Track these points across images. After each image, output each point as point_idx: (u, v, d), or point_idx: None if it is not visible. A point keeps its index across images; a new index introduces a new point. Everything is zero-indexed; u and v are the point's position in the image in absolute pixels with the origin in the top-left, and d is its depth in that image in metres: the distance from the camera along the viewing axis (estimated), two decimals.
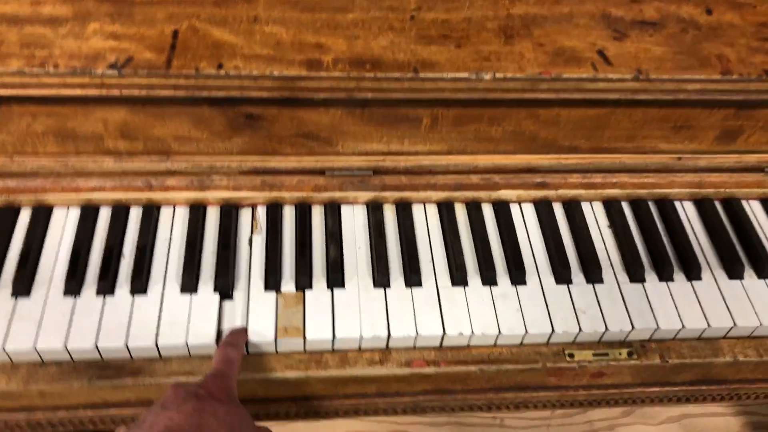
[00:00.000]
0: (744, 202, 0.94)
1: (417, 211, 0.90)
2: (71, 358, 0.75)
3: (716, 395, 0.89)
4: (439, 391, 0.83)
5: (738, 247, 0.89)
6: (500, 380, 0.82)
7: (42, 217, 0.84)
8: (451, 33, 0.78)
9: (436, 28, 0.78)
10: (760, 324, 0.82)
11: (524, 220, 0.90)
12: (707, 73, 0.77)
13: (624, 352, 0.82)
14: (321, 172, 0.87)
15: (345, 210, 0.89)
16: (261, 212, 0.87)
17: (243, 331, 0.77)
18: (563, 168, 0.90)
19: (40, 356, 0.74)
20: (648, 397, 0.87)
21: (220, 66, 0.73)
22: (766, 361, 0.83)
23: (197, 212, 0.86)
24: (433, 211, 0.90)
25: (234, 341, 0.75)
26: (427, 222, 0.89)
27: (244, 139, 0.82)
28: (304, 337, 0.77)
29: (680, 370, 0.83)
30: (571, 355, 0.81)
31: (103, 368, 0.75)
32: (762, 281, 0.86)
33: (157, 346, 0.76)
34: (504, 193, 0.90)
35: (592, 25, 0.81)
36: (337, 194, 0.88)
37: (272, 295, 0.80)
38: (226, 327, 0.77)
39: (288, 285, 0.81)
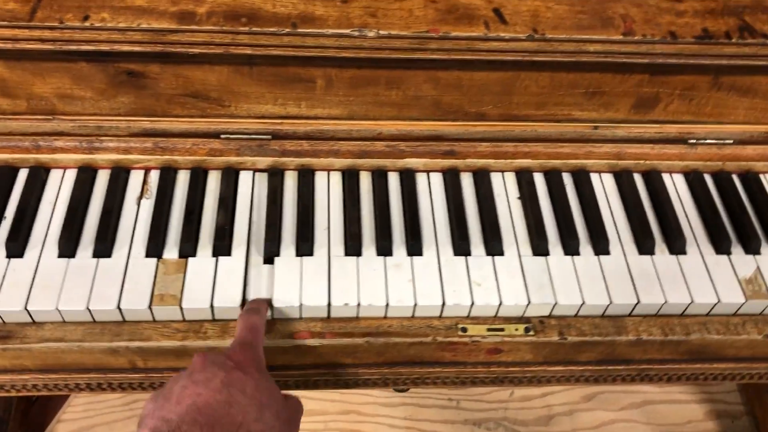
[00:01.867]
0: (666, 175, 0.90)
1: (320, 178, 0.86)
2: None
3: (625, 376, 0.85)
4: (329, 365, 0.80)
5: (653, 222, 0.85)
6: (392, 354, 0.79)
7: None
8: None
9: None
10: (666, 301, 0.78)
11: (430, 190, 0.87)
12: (608, 33, 0.73)
13: (521, 327, 0.78)
14: (216, 135, 0.83)
15: (243, 176, 0.85)
16: (154, 176, 0.84)
17: (264, 300, 0.74)
18: (471, 136, 0.86)
19: None
20: (552, 376, 0.84)
21: (86, 17, 0.69)
22: (672, 341, 0.79)
23: (85, 174, 0.83)
24: (336, 178, 0.86)
25: (257, 307, 0.72)
26: (329, 190, 0.85)
27: (130, 99, 0.79)
28: (181, 306, 0.74)
29: (582, 348, 0.79)
30: (464, 330, 0.77)
31: None
32: (674, 257, 0.82)
33: (27, 310, 0.73)
34: (410, 162, 0.86)
35: None
36: (233, 159, 0.84)
37: (153, 261, 0.77)
38: (99, 291, 0.74)
39: (171, 252, 0.78)
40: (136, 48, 0.71)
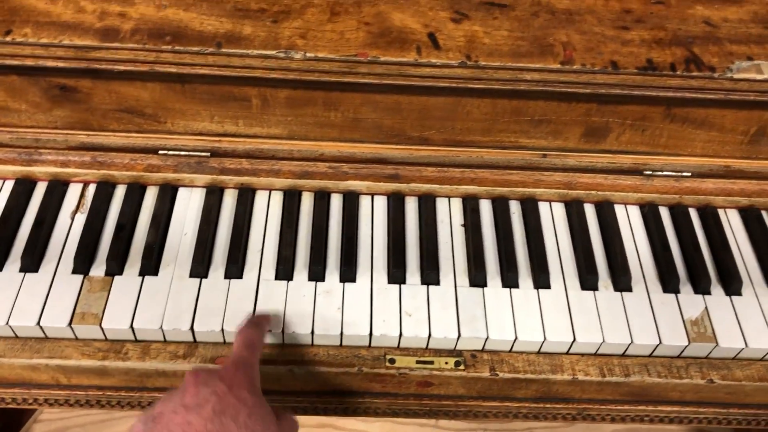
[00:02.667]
0: (620, 207, 0.86)
1: (260, 198, 0.85)
2: None
3: (565, 414, 0.82)
4: None
5: (600, 256, 0.82)
6: (318, 383, 0.77)
7: None
8: (272, 7, 0.72)
9: (258, 1, 0.73)
10: (604, 341, 0.75)
11: (372, 213, 0.84)
12: (546, 61, 0.70)
13: (451, 361, 0.75)
14: (154, 151, 0.82)
15: (182, 193, 0.84)
16: (91, 190, 0.83)
17: (267, 315, 0.73)
18: (416, 160, 0.83)
19: None
20: (488, 411, 0.81)
21: (8, 32, 0.68)
22: (609, 382, 0.76)
23: (22, 186, 0.82)
24: (277, 199, 0.85)
25: (258, 322, 0.71)
26: (268, 210, 0.84)
27: (66, 112, 0.78)
28: (101, 325, 0.72)
29: (516, 385, 0.77)
30: (392, 361, 0.75)
31: None
32: (618, 294, 0.79)
33: None
34: (353, 184, 0.84)
35: (432, 5, 0.74)
36: (171, 175, 0.83)
37: (79, 278, 0.76)
38: (22, 306, 0.73)
39: (99, 269, 0.77)
40: (61, 64, 0.70)
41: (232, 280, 0.77)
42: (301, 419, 1.61)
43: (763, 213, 0.87)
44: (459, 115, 0.78)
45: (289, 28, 0.71)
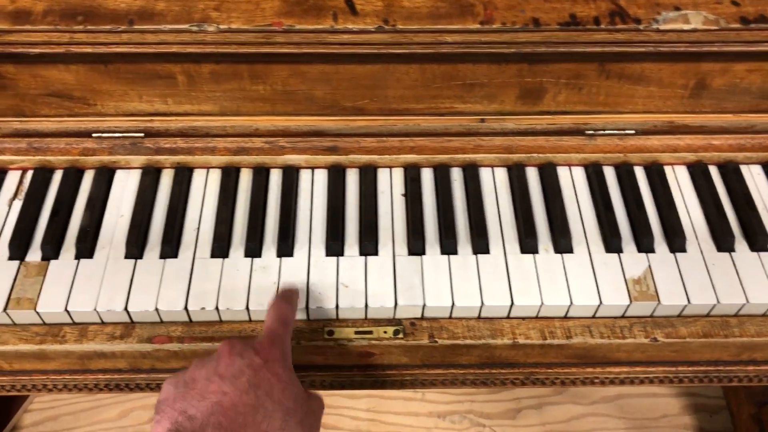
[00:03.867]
0: (564, 169, 0.85)
1: (198, 176, 0.84)
2: None
3: (513, 379, 0.81)
4: None
5: (542, 218, 0.81)
6: None
7: None
8: None
9: None
10: (543, 303, 0.74)
11: (312, 187, 0.84)
12: (466, 22, 0.69)
13: (390, 330, 0.75)
14: (87, 134, 0.82)
15: (119, 175, 0.84)
16: (29, 177, 0.83)
17: (296, 289, 0.72)
18: (353, 131, 0.82)
19: None
20: (435, 379, 0.81)
21: None
22: (552, 345, 0.75)
23: None
24: (215, 176, 0.84)
25: (289, 297, 0.70)
26: (205, 188, 0.83)
27: None
28: (36, 309, 0.73)
29: (458, 351, 0.76)
30: (331, 333, 0.75)
31: None
32: (558, 256, 0.78)
33: None
34: (291, 158, 0.83)
35: None
36: (107, 158, 0.83)
37: (15, 263, 0.76)
38: None
39: (35, 254, 0.77)
40: None
41: (167, 260, 0.77)
42: None
43: (711, 168, 0.85)
44: (390, 83, 0.77)
45: (204, 1, 0.70)
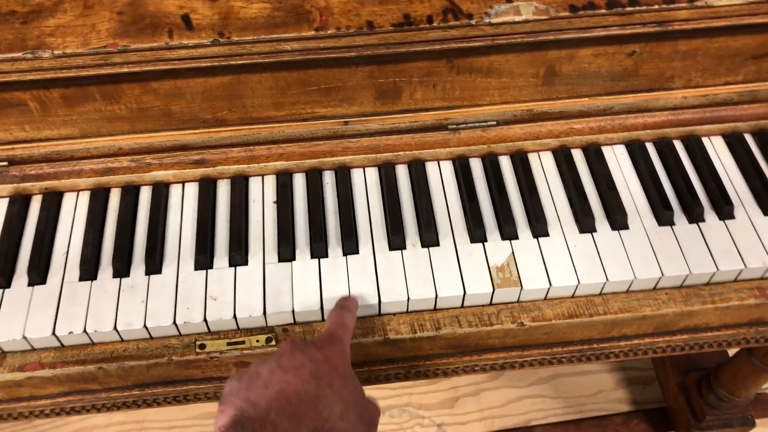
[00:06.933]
0: (433, 164, 0.87)
1: (68, 200, 0.84)
2: None
3: (394, 375, 0.83)
4: (77, 392, 0.78)
5: (411, 215, 0.82)
6: (136, 377, 0.77)
7: None
8: (22, 8, 0.71)
9: (8, 3, 0.71)
10: (409, 298, 0.75)
11: (182, 202, 0.84)
12: (301, 29, 0.70)
13: (262, 338, 0.76)
14: None
15: None
16: None
17: (355, 298, 0.74)
18: (218, 143, 0.83)
19: None
20: None
21: None
22: (422, 337, 0.76)
23: None
24: (84, 198, 0.84)
25: (348, 305, 0.71)
26: (74, 212, 0.83)
27: None
28: None
29: None
30: (203, 346, 0.75)
31: None
32: (425, 250, 0.79)
33: None
34: (159, 174, 0.84)
35: None
36: None
37: None
38: None
39: None
40: None
41: (36, 287, 0.76)
42: None
43: (573, 151, 0.87)
44: (245, 93, 0.78)
45: (39, 27, 0.70)
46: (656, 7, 0.72)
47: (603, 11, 0.71)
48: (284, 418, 0.56)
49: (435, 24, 0.70)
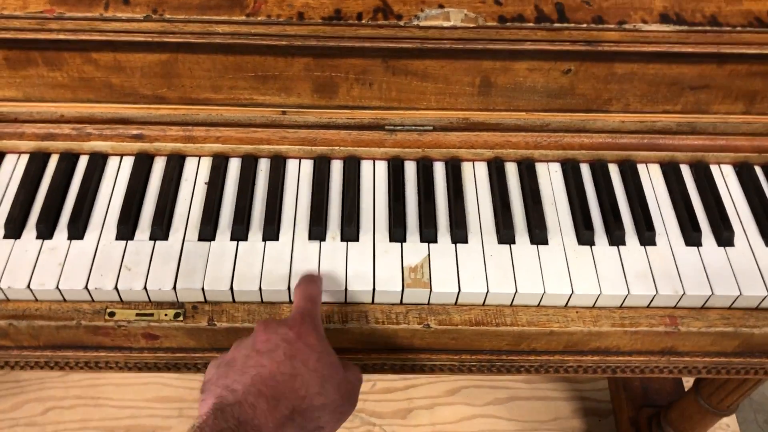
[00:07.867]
0: (368, 162, 0.88)
1: (8, 161, 0.86)
2: None
3: None
4: None
5: (336, 209, 0.84)
6: (47, 337, 0.78)
7: None
8: None
9: None
10: (347, 288, 0.76)
11: (117, 174, 0.86)
12: (233, 13, 0.72)
13: (171, 313, 0.77)
14: None
15: None
16: None
17: (316, 272, 0.76)
18: (157, 119, 0.85)
19: None
20: None
21: None
22: (329, 329, 0.77)
23: None
24: (23, 162, 0.86)
25: (313, 279, 0.74)
26: (12, 172, 0.85)
27: None
28: None
29: (238, 335, 0.78)
30: (112, 314, 0.77)
31: None
32: (343, 244, 0.80)
33: None
34: (98, 145, 0.86)
35: None
36: None
37: None
38: None
39: None
40: None
41: None
42: (181, 393, 1.64)
43: (507, 164, 0.88)
44: (182, 72, 0.80)
45: None
46: (584, 26, 0.73)
47: (531, 24, 0.73)
48: (262, 400, 0.58)
49: (364, 21, 0.72)
